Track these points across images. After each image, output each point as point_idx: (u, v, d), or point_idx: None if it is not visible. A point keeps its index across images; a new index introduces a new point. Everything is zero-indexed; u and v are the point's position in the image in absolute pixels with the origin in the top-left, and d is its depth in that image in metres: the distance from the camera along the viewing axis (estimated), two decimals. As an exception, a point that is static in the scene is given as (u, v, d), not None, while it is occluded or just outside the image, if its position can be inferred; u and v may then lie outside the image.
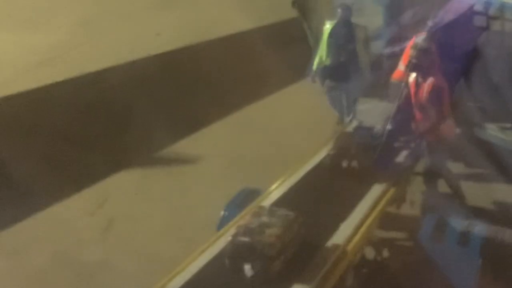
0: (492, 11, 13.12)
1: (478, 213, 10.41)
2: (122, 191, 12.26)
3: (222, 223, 8.62)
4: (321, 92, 14.41)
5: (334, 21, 12.66)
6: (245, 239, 6.88)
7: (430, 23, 11.44)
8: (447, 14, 11.97)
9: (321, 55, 12.84)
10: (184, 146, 13.71)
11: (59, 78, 16.48)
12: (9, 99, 15.43)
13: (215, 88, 15.63)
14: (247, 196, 9.28)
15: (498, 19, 13.28)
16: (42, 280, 9.86)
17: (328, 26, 12.69)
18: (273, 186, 9.04)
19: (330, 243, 7.46)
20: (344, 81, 12.77)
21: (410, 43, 11.45)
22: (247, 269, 6.78)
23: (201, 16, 20.90)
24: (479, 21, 13.14)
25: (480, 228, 8.65)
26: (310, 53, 15.74)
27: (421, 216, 9.79)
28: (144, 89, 15.75)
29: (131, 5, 22.52)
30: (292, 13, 18.10)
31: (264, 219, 7.17)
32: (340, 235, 7.65)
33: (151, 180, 12.59)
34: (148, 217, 11.26)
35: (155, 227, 10.89)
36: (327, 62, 12.78)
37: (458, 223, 8.71)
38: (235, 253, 6.90)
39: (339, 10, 12.61)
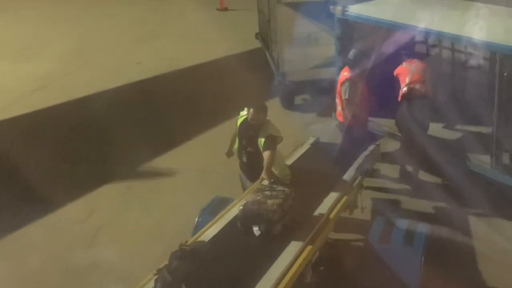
0: (431, 40, 13.31)
1: (421, 216, 10.54)
2: (108, 202, 12.16)
3: (197, 228, 8.61)
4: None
5: (243, 116, 9.82)
6: (253, 207, 7.85)
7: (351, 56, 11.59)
8: (389, 45, 12.15)
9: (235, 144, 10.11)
10: (162, 161, 13.63)
11: (52, 103, 16.45)
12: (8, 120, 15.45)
13: (189, 109, 15.66)
14: (219, 204, 9.30)
15: (436, 47, 13.46)
16: (38, 281, 9.80)
17: (240, 117, 9.92)
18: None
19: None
20: (249, 178, 9.86)
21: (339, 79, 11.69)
22: (255, 230, 7.73)
23: (176, 48, 20.90)
24: (420, 48, 13.32)
25: (422, 229, 8.74)
26: (272, 77, 15.92)
27: (371, 219, 9.83)
28: (126, 111, 15.74)
29: (115, 38, 22.49)
30: (256, 44, 18.19)
31: (267, 193, 8.13)
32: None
33: (134, 192, 12.51)
34: (132, 224, 11.25)
35: (138, 234, 10.89)
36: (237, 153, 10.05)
37: (403, 225, 8.77)
38: (246, 218, 7.86)
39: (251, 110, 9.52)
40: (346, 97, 11.48)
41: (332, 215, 8.58)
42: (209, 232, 7.98)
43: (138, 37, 22.33)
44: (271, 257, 7.28)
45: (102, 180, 12.71)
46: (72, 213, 11.82)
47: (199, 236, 7.93)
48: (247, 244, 7.64)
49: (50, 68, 19.18)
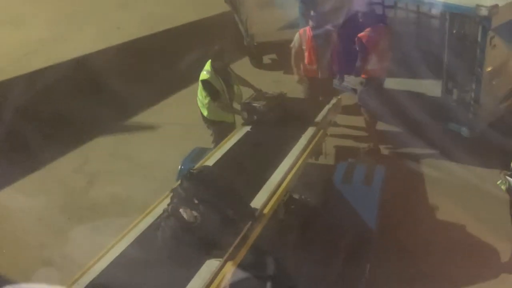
0: (391, 2, 13.46)
1: (378, 160, 10.93)
2: (99, 153, 12.47)
3: (180, 174, 8.81)
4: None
5: (210, 72, 10.28)
6: (251, 100, 10.38)
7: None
8: (350, 6, 12.36)
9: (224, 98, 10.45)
10: (147, 116, 13.92)
11: (43, 65, 16.56)
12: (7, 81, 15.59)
13: (169, 69, 15.76)
14: (199, 153, 9.60)
15: (395, 8, 13.63)
16: (47, 220, 10.21)
17: (210, 76, 10.29)
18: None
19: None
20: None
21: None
22: (252, 117, 10.12)
23: (152, 12, 20.89)
24: (381, 10, 13.52)
25: (380, 171, 9.06)
26: (241, 39, 16.03)
27: (334, 164, 10.15)
28: (110, 72, 15.80)
29: (95, 5, 22.36)
30: (225, 7, 18.27)
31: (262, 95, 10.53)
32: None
33: (122, 144, 12.81)
34: (122, 173, 11.58)
35: (128, 180, 11.20)
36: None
37: (363, 167, 9.13)
38: (246, 110, 10.19)
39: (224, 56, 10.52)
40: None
41: (300, 161, 8.88)
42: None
43: (116, 4, 22.25)
44: (251, 195, 7.69)
45: (92, 135, 13.00)
46: (68, 163, 12.18)
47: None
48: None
49: (39, 34, 19.13)
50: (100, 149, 12.65)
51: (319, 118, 10.41)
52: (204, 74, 10.32)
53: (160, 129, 13.37)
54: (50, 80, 15.25)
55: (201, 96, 10.67)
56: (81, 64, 16.54)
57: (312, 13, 11.72)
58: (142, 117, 13.90)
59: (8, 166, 11.60)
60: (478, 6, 10.13)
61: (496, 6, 10.10)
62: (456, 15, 10.81)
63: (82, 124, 13.28)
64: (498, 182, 8.21)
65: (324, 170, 10.01)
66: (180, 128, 13.16)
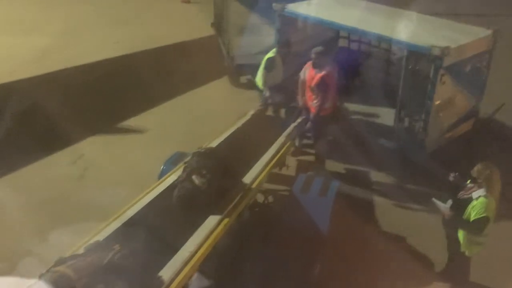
0: (373, 41, 13.80)
1: (334, 174, 11.07)
2: (91, 151, 12.44)
3: (162, 174, 9.10)
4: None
5: (276, 53, 12.15)
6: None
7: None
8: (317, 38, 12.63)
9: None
10: (135, 121, 13.90)
11: (48, 70, 16.48)
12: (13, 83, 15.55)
13: (159, 81, 15.77)
14: (179, 157, 9.63)
15: (376, 47, 13.93)
16: (45, 209, 10.20)
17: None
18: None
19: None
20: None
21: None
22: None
23: (148, 31, 20.89)
24: (363, 48, 13.83)
25: (334, 184, 9.24)
26: (222, 60, 16.20)
27: (295, 175, 10.27)
28: (107, 81, 15.85)
29: (97, 20, 22.26)
30: (211, 31, 18.39)
31: None
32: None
33: (112, 144, 12.80)
34: (111, 169, 11.61)
35: (117, 176, 11.30)
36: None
37: (320, 180, 9.29)
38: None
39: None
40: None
41: (265, 170, 9.07)
42: (172, 177, 8.54)
43: (115, 21, 22.18)
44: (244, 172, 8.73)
45: (86, 135, 12.92)
46: (64, 158, 12.20)
47: (165, 179, 8.58)
48: None
49: (46, 42, 18.86)
50: (93, 148, 12.59)
51: (285, 134, 10.54)
52: (270, 53, 12.14)
53: (147, 133, 13.39)
54: (51, 84, 15.33)
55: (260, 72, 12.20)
56: (81, 72, 16.51)
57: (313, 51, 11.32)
58: (131, 122, 13.86)
59: (12, 158, 11.75)
60: (432, 46, 10.51)
61: (448, 47, 10.50)
62: (413, 53, 11.10)
63: (77, 125, 13.00)
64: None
65: (286, 180, 10.18)
66: (165, 133, 13.24)
